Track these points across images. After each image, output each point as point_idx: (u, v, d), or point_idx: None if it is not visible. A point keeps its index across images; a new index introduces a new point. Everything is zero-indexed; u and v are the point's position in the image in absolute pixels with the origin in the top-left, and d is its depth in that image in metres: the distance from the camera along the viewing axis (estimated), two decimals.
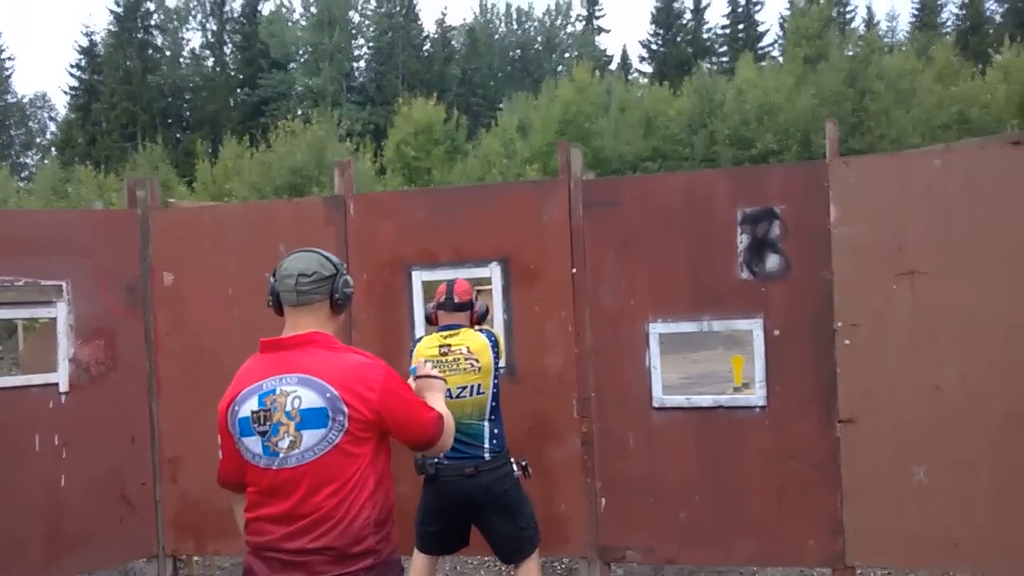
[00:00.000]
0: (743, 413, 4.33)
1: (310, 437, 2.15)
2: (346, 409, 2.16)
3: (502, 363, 3.98)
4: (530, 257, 4.55)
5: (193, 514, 4.78)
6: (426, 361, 2.73)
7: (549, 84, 34.85)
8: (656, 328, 4.42)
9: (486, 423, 3.67)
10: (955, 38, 38.10)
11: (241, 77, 48.28)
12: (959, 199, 4.06)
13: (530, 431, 4.51)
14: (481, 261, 4.62)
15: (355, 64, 49.56)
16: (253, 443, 2.21)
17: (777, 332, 4.28)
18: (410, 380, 2.61)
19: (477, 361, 3.65)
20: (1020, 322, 3.94)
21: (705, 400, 4.47)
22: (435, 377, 2.63)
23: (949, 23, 45.77)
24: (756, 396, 4.31)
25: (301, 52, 47.04)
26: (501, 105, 37.75)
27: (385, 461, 2.30)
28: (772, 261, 4.31)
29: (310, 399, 2.16)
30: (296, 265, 2.34)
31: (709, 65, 43.66)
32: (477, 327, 3.84)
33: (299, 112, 37.09)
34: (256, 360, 2.32)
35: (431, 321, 3.95)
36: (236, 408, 2.26)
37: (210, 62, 51.38)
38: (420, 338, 3.94)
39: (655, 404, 4.41)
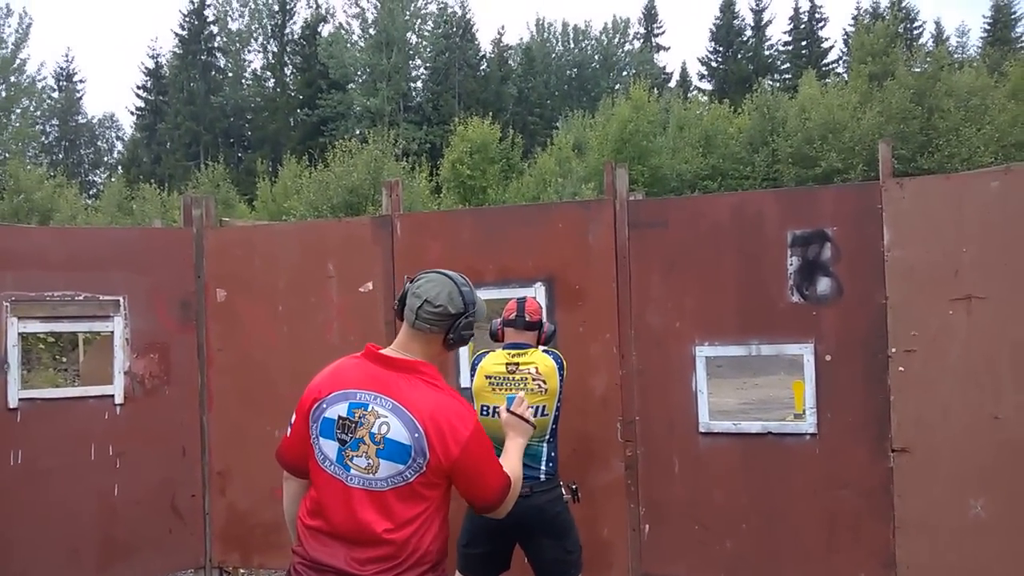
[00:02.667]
0: (793, 440, 4.23)
1: (387, 468, 2.14)
2: (428, 454, 2.14)
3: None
4: (575, 277, 4.53)
5: (240, 527, 4.87)
6: (523, 398, 2.64)
7: (606, 103, 34.82)
8: (703, 351, 4.36)
9: (545, 445, 3.64)
10: None
11: (301, 98, 49.45)
12: (1018, 222, 3.91)
13: (574, 453, 4.46)
14: (526, 281, 4.62)
15: (412, 84, 50.30)
16: (329, 448, 2.20)
17: (828, 357, 4.17)
18: (502, 408, 2.60)
19: (545, 383, 3.62)
20: None
21: (754, 426, 4.37)
22: (526, 421, 2.56)
23: (1023, 38, 44.36)
24: (806, 423, 4.20)
25: (359, 73, 47.97)
26: (557, 124, 37.82)
27: (448, 503, 2.29)
28: (823, 284, 4.21)
29: (398, 431, 2.14)
30: (428, 290, 2.30)
31: (771, 82, 43.12)
32: (543, 348, 3.80)
33: (357, 132, 37.75)
34: (356, 364, 2.29)
35: (497, 338, 3.89)
36: (324, 406, 2.23)
37: (271, 83, 52.80)
38: (484, 353, 3.87)
39: (702, 429, 4.33)
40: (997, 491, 3.90)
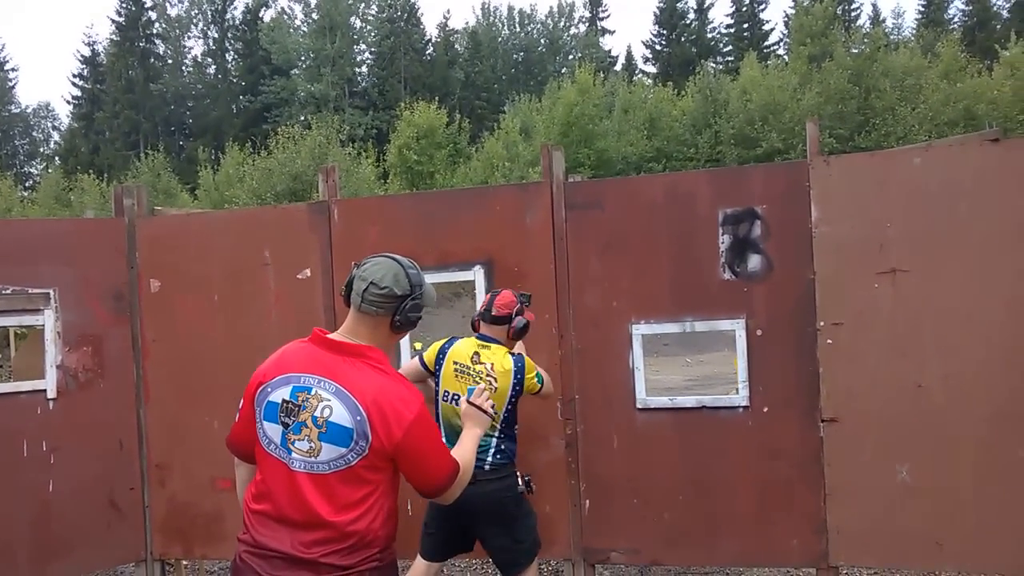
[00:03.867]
0: (726, 413, 4.33)
1: (329, 451, 2.14)
2: (370, 436, 2.13)
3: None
4: (513, 259, 4.56)
5: (181, 518, 4.81)
6: (484, 389, 2.64)
7: (552, 86, 34.85)
8: (639, 329, 4.43)
9: (493, 438, 3.68)
10: (961, 34, 37.90)
11: (243, 84, 48.49)
12: (940, 197, 4.05)
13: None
14: (465, 264, 4.63)
15: (357, 69, 49.68)
16: (273, 431, 2.20)
17: (760, 332, 4.28)
18: (463, 399, 2.61)
19: (495, 381, 3.67)
20: (1001, 319, 3.93)
21: (688, 400, 4.46)
22: (486, 412, 2.56)
23: (956, 19, 45.57)
24: (739, 396, 4.31)
25: (303, 58, 47.21)
26: (504, 108, 37.75)
27: (398, 489, 2.29)
28: (754, 261, 4.31)
29: (340, 414, 2.14)
30: (374, 273, 2.30)
31: (713, 65, 43.61)
32: (512, 344, 3.86)
33: (301, 118, 37.20)
34: (302, 348, 2.28)
35: (474, 328, 3.95)
36: (268, 390, 2.23)
37: (212, 70, 51.68)
38: (457, 339, 3.93)
39: (639, 405, 4.41)
40: (921, 457, 4.05)
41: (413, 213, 4.72)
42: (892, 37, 40.48)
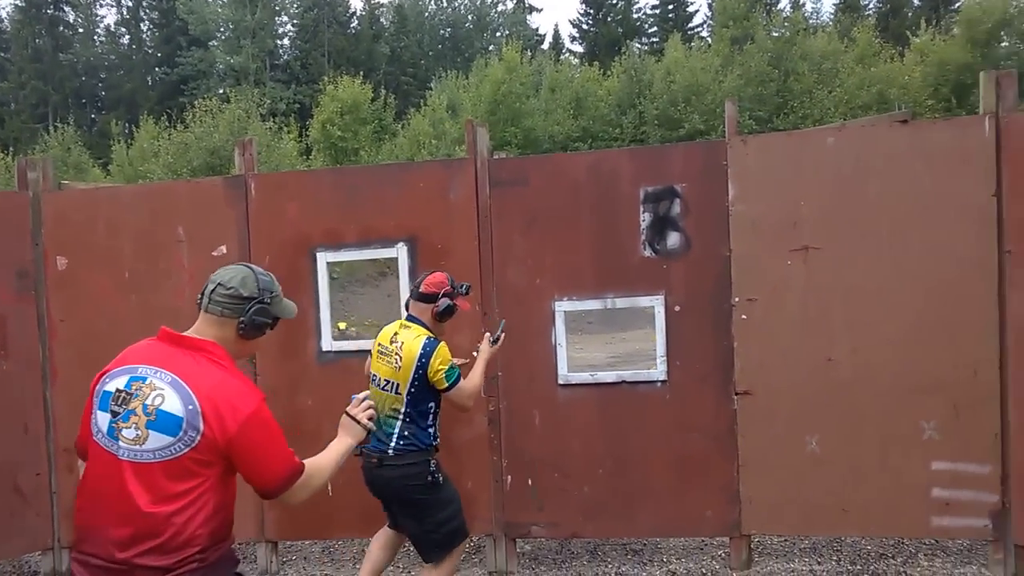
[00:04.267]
0: (645, 388, 4.42)
1: (156, 439, 2.08)
2: (201, 427, 2.08)
3: None
4: (437, 237, 4.54)
5: None
6: (365, 399, 2.57)
7: (480, 63, 34.62)
8: (562, 306, 4.47)
9: (399, 421, 3.61)
10: (876, 21, 39.11)
11: (159, 55, 46.60)
12: (851, 176, 4.19)
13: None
14: (388, 241, 4.59)
15: (279, 42, 48.29)
16: (103, 419, 2.14)
17: (678, 308, 4.37)
18: (353, 399, 2.54)
19: (400, 359, 3.59)
20: (905, 296, 4.11)
21: (609, 376, 4.53)
22: (359, 424, 2.49)
23: (871, 6, 46.96)
24: (657, 371, 4.40)
25: (222, 29, 45.62)
26: (431, 84, 37.30)
27: (232, 498, 2.21)
28: (673, 239, 4.39)
29: (172, 403, 2.10)
30: (222, 274, 2.30)
31: (639, 46, 44.00)
32: (439, 327, 3.71)
33: (220, 91, 36.02)
34: (148, 344, 2.26)
35: (408, 308, 3.84)
36: (106, 380, 2.20)
37: (126, 39, 49.49)
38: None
39: (561, 381, 4.46)
40: (830, 428, 4.21)
41: (334, 189, 4.64)
42: (811, 21, 41.45)
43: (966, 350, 4.04)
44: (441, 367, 3.55)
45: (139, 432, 2.08)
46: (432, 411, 3.66)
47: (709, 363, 4.34)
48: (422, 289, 3.69)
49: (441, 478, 3.62)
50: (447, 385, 3.57)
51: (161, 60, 46.35)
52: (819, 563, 4.43)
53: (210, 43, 45.34)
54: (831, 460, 4.21)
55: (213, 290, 2.27)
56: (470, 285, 3.91)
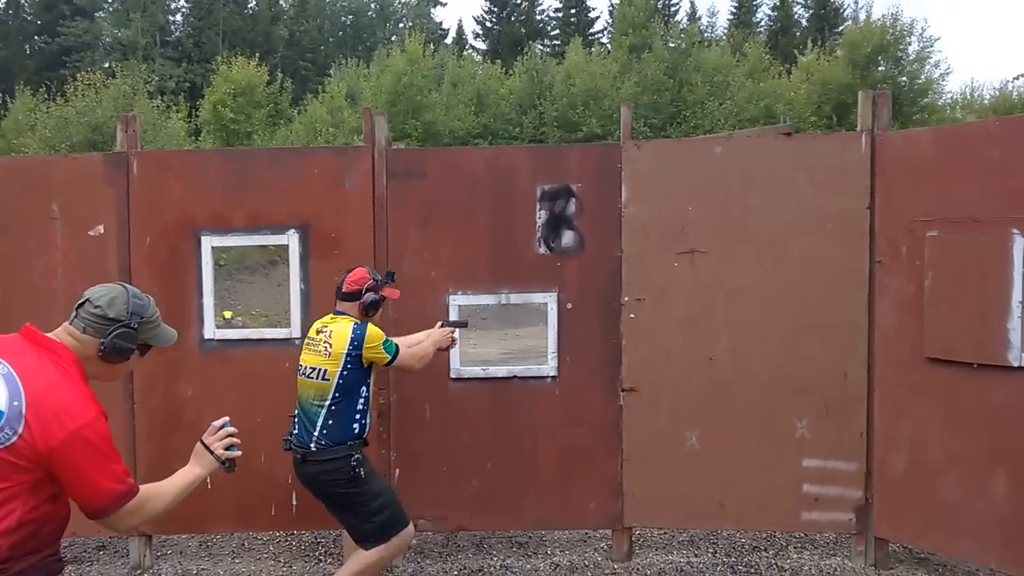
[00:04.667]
0: (536, 383, 4.47)
1: None
2: (20, 429, 1.93)
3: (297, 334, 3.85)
4: (331, 225, 4.45)
5: None
6: (223, 426, 2.37)
7: (381, 53, 34.14)
8: (456, 300, 4.47)
9: (323, 411, 3.57)
10: (767, 38, 40.88)
11: (39, 23, 43.76)
12: (736, 185, 4.36)
13: None
14: (279, 227, 4.47)
15: (171, 17, 46.26)
16: None
17: (570, 305, 4.44)
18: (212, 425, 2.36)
19: (330, 346, 3.57)
20: (783, 300, 4.31)
21: (500, 371, 4.57)
22: (212, 455, 2.31)
23: (762, 23, 48.99)
24: (548, 367, 4.46)
25: (110, 0, 43.33)
26: (330, 71, 36.51)
27: (52, 512, 2.03)
28: (567, 237, 4.46)
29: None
30: (95, 291, 2.17)
31: (541, 47, 44.41)
32: (367, 319, 3.72)
33: (106, 65, 34.20)
34: (10, 336, 2.12)
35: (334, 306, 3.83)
36: None
37: (2, 5, 46.25)
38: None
39: (452, 375, 4.46)
40: (709, 424, 4.38)
41: (222, 170, 4.48)
42: (706, 35, 42.90)
43: (838, 353, 4.28)
44: (376, 342, 3.60)
45: None
46: (361, 399, 3.66)
47: (598, 360, 4.44)
48: (344, 288, 3.73)
49: (364, 472, 3.60)
50: (389, 358, 3.64)
51: (41, 28, 43.54)
52: (696, 555, 4.60)
53: (96, 14, 42.98)
54: (710, 456, 4.38)
55: (81, 304, 2.14)
56: (393, 272, 3.93)
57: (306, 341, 3.76)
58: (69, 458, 1.97)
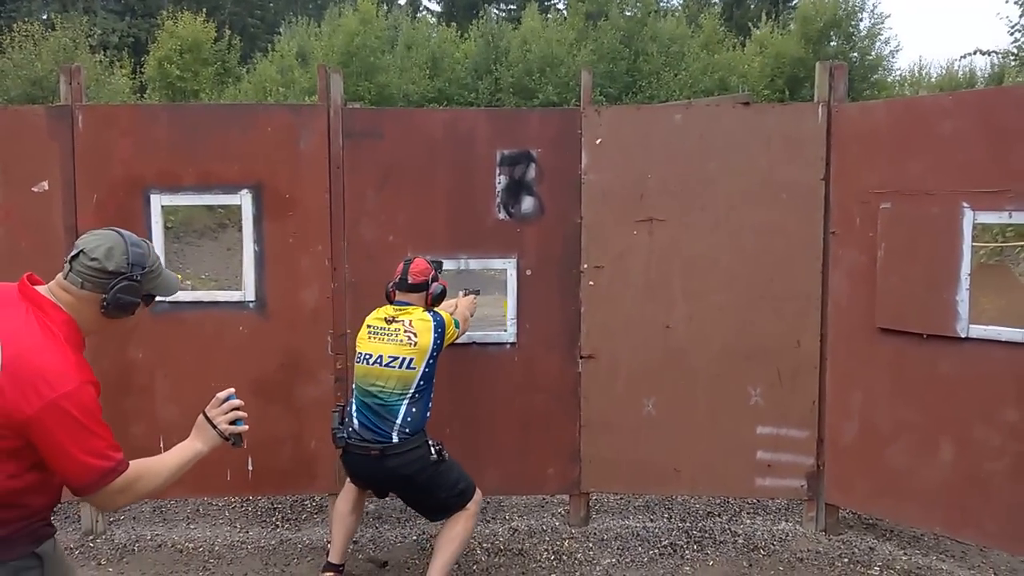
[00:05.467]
0: (495, 349, 4.46)
1: None
2: None
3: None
4: (285, 186, 4.34)
5: None
6: (228, 398, 2.20)
7: (333, 12, 33.36)
8: None
9: (405, 401, 3.54)
10: (722, 10, 40.93)
11: None
12: (695, 152, 4.37)
13: (281, 367, 4.37)
14: (231, 187, 4.34)
15: None
16: None
17: (529, 272, 4.42)
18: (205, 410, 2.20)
19: (415, 336, 3.56)
20: (737, 267, 4.35)
21: (460, 338, 4.53)
22: (216, 430, 2.16)
23: None
24: (507, 333, 4.44)
25: None
26: (280, 30, 35.57)
27: (39, 481, 1.90)
28: (527, 203, 4.42)
29: None
30: (89, 242, 2.00)
31: (497, 12, 43.89)
32: (430, 309, 3.73)
33: (44, 16, 32.82)
34: (6, 285, 1.97)
35: (389, 299, 3.77)
36: None
37: None
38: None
39: None
40: (665, 391, 4.42)
41: (173, 126, 4.32)
42: (662, 5, 42.87)
43: (791, 322, 4.34)
44: (452, 327, 3.73)
45: None
46: (433, 385, 3.68)
47: (557, 327, 4.44)
48: (411, 280, 3.71)
49: (442, 449, 3.61)
50: (458, 334, 3.83)
51: None
52: (652, 520, 4.67)
53: None
54: (666, 422, 4.43)
55: (75, 256, 1.97)
56: (441, 261, 3.98)
57: (368, 330, 3.67)
58: (46, 430, 1.82)
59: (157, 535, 4.47)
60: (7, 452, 1.84)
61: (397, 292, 3.75)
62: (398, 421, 3.53)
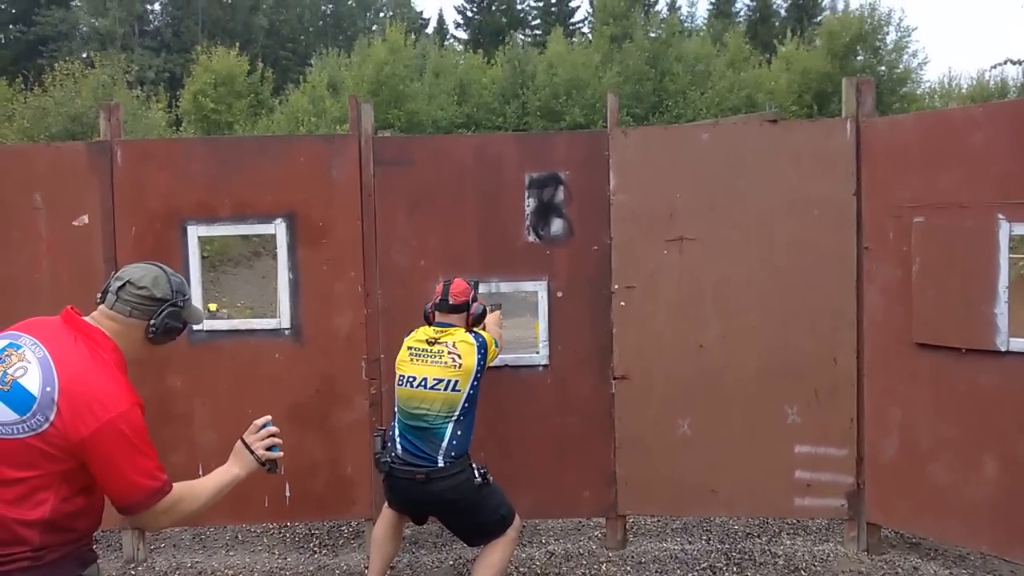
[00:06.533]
0: (527, 372, 4.46)
1: (3, 413, 1.90)
2: (51, 417, 1.89)
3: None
4: (318, 214, 4.41)
5: None
6: (265, 425, 2.28)
7: (362, 43, 33.91)
8: None
9: (451, 424, 3.53)
10: (746, 28, 40.92)
11: (14, 12, 43.05)
12: (723, 171, 4.36)
13: (317, 393, 4.41)
14: (265, 217, 4.42)
15: (149, 7, 45.68)
16: None
17: (560, 294, 4.43)
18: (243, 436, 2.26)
19: (460, 358, 3.55)
20: (769, 284, 4.32)
21: (494, 360, 4.54)
22: (254, 455, 2.24)
23: (741, 13, 49.06)
24: (540, 355, 4.45)
25: None
26: (311, 61, 36.22)
27: (87, 505, 2.00)
28: (557, 225, 4.45)
29: (32, 379, 1.92)
30: (132, 273, 2.15)
31: (522, 37, 44.28)
32: (471, 330, 3.73)
33: (84, 55, 33.76)
34: (49, 319, 2.09)
35: (428, 321, 3.79)
36: None
37: None
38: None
39: None
40: (700, 411, 4.39)
41: (208, 159, 4.43)
42: (686, 24, 42.95)
43: (827, 339, 4.30)
44: (493, 347, 3.73)
45: None
46: (476, 408, 3.67)
47: (589, 348, 4.43)
48: (452, 301, 3.70)
49: (487, 472, 3.61)
50: (497, 351, 3.82)
51: (16, 17, 42.82)
52: (690, 543, 4.62)
53: (72, 3, 42.38)
54: (701, 442, 4.39)
55: (121, 287, 2.11)
56: (478, 281, 3.98)
57: (410, 352, 3.65)
58: (101, 449, 1.92)
59: (197, 562, 4.51)
60: (62, 475, 1.92)
61: (437, 313, 3.74)
62: (444, 444, 3.51)
